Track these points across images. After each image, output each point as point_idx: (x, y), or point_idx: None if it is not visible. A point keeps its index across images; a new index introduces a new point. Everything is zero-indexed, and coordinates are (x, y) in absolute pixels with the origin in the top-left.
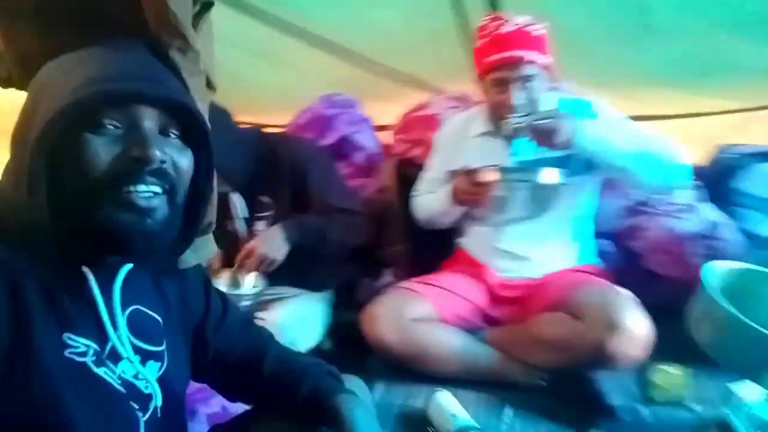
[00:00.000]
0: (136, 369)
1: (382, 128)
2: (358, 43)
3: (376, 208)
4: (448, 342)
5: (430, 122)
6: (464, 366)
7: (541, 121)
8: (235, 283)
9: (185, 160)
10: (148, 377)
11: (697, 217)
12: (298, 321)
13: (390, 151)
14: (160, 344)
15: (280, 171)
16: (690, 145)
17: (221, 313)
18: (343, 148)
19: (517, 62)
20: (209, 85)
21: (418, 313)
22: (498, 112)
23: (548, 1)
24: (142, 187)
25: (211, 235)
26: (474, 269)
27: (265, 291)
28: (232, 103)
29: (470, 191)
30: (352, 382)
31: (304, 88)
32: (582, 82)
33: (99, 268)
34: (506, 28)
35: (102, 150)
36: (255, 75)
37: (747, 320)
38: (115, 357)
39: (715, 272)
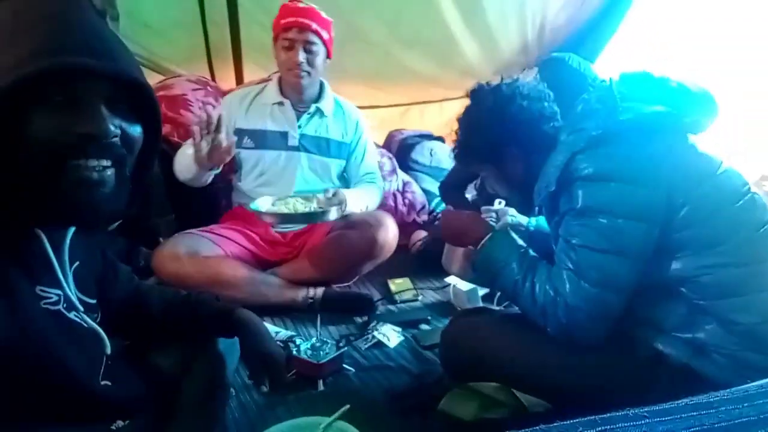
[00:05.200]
0: (83, 320)
1: None
2: None
3: None
4: (240, 271)
5: (177, 101)
6: (255, 290)
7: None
8: None
9: (136, 132)
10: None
11: (397, 179)
12: None
13: None
14: (95, 298)
15: None
16: (377, 128)
17: (116, 268)
18: None
19: (304, 28)
20: None
21: (209, 251)
22: (285, 72)
23: None
24: (93, 162)
25: None
26: (251, 224)
27: None
28: None
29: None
30: None
31: None
32: None
33: (48, 228)
34: (302, 5)
35: (48, 125)
36: None
37: None
38: (69, 309)
39: None
